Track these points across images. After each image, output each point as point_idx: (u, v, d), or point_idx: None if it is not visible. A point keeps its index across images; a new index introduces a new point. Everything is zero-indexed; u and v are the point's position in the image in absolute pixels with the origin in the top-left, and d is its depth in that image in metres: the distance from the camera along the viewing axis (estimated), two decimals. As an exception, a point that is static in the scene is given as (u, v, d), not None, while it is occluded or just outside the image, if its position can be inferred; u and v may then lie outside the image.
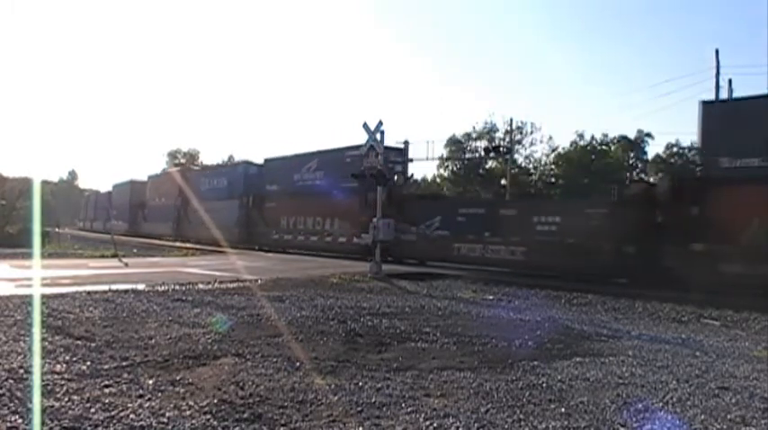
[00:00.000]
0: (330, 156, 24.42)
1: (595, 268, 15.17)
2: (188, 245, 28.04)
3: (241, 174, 30.11)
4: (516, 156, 41.42)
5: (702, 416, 4.35)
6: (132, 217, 41.44)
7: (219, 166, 38.39)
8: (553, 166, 44.80)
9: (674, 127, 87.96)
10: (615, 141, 45.32)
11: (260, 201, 27.38)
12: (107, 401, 4.14)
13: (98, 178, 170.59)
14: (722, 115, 13.81)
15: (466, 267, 17.43)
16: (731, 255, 12.63)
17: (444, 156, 43.45)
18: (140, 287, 10.56)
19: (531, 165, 45.26)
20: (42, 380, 4.54)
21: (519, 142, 43.10)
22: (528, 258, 16.77)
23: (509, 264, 17.23)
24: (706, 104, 14.22)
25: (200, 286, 11.11)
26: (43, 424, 3.68)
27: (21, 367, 4.90)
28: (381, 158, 15.84)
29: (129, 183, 43.95)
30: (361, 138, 16.39)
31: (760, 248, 12.23)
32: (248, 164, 31.04)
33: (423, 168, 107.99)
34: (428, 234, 19.20)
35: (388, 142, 18.90)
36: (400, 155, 23.69)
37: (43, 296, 8.82)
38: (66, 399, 4.15)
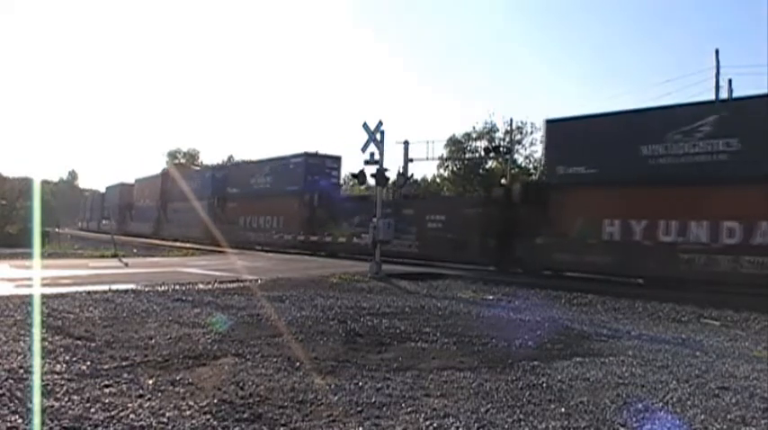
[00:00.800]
0: (278, 163, 27.92)
1: (468, 257, 18.17)
2: (187, 245, 28.33)
3: (209, 178, 33.49)
4: (516, 156, 41.28)
5: (702, 416, 4.35)
6: (121, 217, 44.14)
7: (192, 171, 40.64)
8: (553, 166, 44.71)
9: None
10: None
11: (223, 202, 30.98)
12: (107, 401, 4.14)
13: (98, 178, 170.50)
14: (560, 131, 16.89)
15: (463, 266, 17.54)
16: (563, 246, 15.59)
17: (444, 156, 43.38)
18: (140, 287, 10.56)
19: (531, 165, 45.16)
20: (42, 380, 4.53)
21: (519, 142, 42.99)
22: (420, 250, 20.01)
23: (407, 256, 20.13)
24: (548, 122, 17.52)
25: (200, 286, 11.12)
26: (43, 424, 3.67)
27: (21, 367, 4.90)
28: (382, 159, 15.83)
29: (119, 186, 47.10)
30: (357, 139, 16.56)
31: (584, 241, 15.16)
32: (215, 168, 35.00)
33: (423, 168, 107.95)
34: (354, 232, 22.30)
35: (388, 143, 20.17)
36: (336, 162, 27.14)
37: (43, 296, 8.82)
38: (66, 399, 4.14)
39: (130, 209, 43.62)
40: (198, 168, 41.03)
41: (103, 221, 46.37)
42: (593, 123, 15.54)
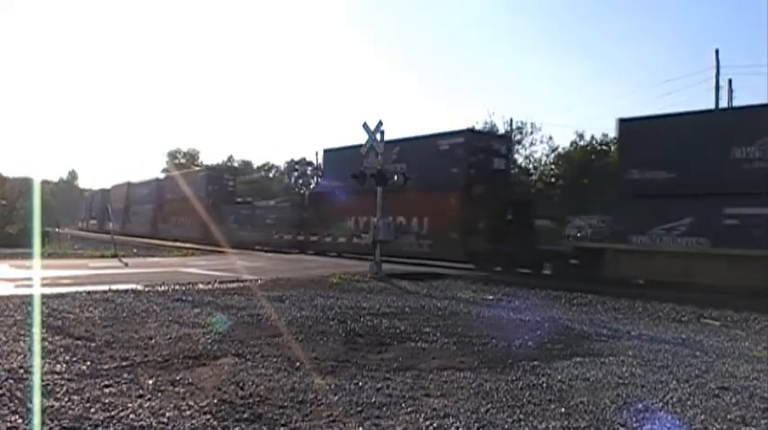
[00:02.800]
0: (192, 175, 37.37)
1: (285, 246, 25.81)
2: (187, 245, 28.59)
3: (154, 185, 41.25)
4: (516, 156, 41.26)
5: (702, 417, 4.35)
6: (101, 218, 49.34)
7: (145, 182, 46.65)
8: (553, 166, 44.64)
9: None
10: (615, 141, 45.07)
11: (162, 205, 38.78)
12: (107, 401, 4.14)
13: (98, 178, 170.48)
14: (328, 156, 25.50)
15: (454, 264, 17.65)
16: (329, 235, 22.96)
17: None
18: (140, 287, 10.56)
19: (531, 165, 45.10)
20: (42, 380, 4.54)
21: (519, 142, 42.99)
22: (261, 239, 27.45)
23: (256, 243, 27.40)
24: (325, 151, 25.54)
25: (200, 286, 11.12)
26: (43, 424, 3.68)
27: (21, 367, 4.91)
28: (381, 158, 15.80)
29: (101, 191, 54.27)
30: (357, 138, 16.66)
31: (347, 231, 21.89)
32: (158, 180, 42.76)
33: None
34: (230, 227, 29.95)
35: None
36: (233, 173, 37.04)
37: (43, 296, 8.83)
38: (66, 399, 4.15)
39: (107, 211, 47.37)
40: (134, 182, 46.98)
41: (91, 221, 52.71)
42: (344, 152, 21.72)
